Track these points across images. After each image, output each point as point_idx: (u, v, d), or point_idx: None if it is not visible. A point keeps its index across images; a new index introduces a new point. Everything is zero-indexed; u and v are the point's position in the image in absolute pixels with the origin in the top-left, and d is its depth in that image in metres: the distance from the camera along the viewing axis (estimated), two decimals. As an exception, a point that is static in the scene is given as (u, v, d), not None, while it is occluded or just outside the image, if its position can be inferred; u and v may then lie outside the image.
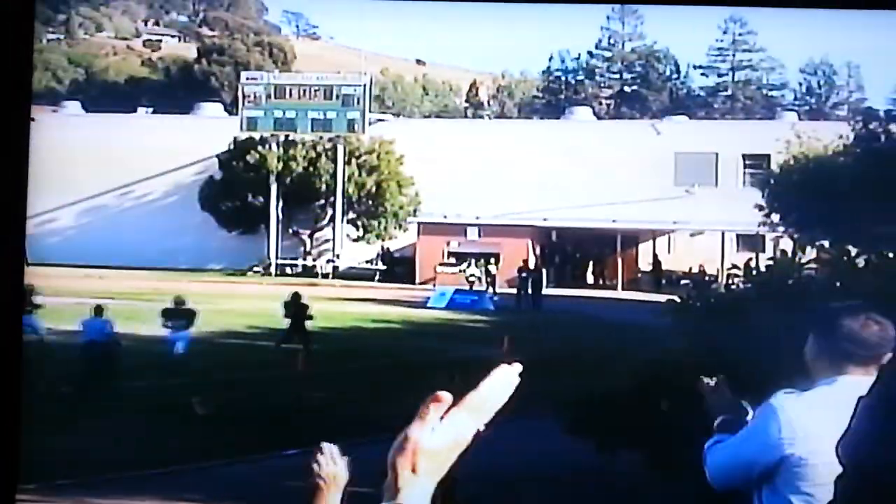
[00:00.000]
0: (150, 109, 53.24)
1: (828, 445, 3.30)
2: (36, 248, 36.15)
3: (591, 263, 40.91)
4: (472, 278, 35.86)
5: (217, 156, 42.87)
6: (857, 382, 3.36)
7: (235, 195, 41.52)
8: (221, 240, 42.61)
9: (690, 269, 38.03)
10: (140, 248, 40.26)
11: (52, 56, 79.18)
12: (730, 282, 13.69)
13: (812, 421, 3.31)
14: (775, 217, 19.63)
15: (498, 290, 34.95)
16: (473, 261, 37.22)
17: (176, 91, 68.03)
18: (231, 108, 48.01)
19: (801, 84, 74.44)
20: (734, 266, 12.83)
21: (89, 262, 34.91)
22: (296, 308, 22.11)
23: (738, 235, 37.91)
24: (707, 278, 35.38)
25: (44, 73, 76.15)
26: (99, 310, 18.62)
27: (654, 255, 41.25)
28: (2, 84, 2.39)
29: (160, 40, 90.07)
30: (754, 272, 11.53)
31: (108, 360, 17.95)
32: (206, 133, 43.63)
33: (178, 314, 20.91)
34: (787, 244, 19.75)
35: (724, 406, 3.69)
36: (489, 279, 36.07)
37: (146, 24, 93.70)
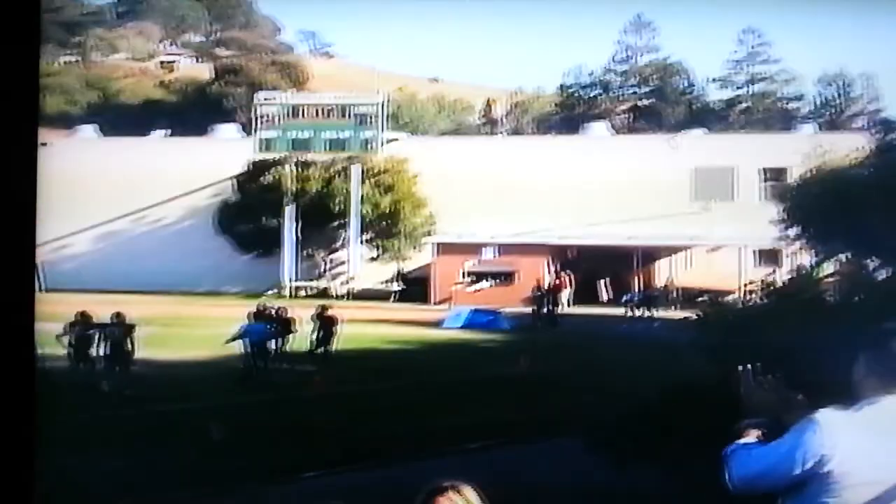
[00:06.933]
0: (168, 132, 53.36)
1: (862, 465, 3.27)
2: (51, 273, 36.12)
3: (604, 281, 40.53)
4: None
5: (234, 178, 42.96)
6: None
7: (251, 217, 41.55)
8: (238, 263, 42.63)
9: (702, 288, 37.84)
10: (157, 273, 40.29)
11: (68, 79, 79.52)
12: (748, 297, 13.58)
13: (851, 439, 3.29)
14: (794, 231, 19.42)
15: (514, 309, 34.76)
16: None
17: (191, 113, 68.40)
18: (246, 130, 48.26)
19: (817, 96, 74.29)
20: (752, 281, 12.75)
21: (105, 287, 34.96)
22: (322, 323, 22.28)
23: (757, 250, 37.69)
24: (725, 294, 35.20)
25: (59, 95, 76.45)
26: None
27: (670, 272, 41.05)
28: (9, 106, 2.35)
29: (174, 61, 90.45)
30: (772, 287, 11.45)
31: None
32: (222, 155, 43.76)
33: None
34: (806, 258, 19.59)
35: (766, 404, 3.61)
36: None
37: (162, 45, 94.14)
